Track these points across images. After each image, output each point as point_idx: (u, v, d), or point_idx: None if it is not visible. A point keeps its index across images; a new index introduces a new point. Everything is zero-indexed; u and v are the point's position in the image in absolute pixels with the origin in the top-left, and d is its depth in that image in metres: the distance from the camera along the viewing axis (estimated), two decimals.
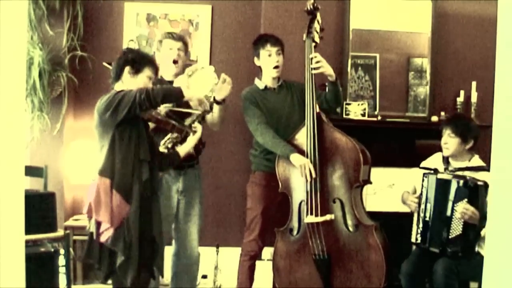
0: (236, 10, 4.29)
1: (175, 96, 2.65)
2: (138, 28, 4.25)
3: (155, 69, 2.73)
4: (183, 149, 2.88)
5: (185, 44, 3.29)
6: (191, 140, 2.89)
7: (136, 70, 2.64)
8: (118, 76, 2.67)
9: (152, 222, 2.63)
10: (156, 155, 2.72)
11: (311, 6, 3.19)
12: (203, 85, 2.93)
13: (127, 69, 2.64)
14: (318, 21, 3.23)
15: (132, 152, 2.57)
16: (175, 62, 3.19)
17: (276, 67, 3.28)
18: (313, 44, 3.18)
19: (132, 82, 2.64)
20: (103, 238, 2.55)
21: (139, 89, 2.53)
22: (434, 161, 3.24)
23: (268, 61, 3.28)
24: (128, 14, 4.25)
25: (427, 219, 3.07)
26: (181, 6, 4.27)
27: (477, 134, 3.14)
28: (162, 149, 2.88)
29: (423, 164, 3.26)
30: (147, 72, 2.66)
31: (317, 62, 3.12)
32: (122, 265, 2.52)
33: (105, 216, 2.54)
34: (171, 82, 3.08)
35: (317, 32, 3.21)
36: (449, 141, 3.11)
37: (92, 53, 4.07)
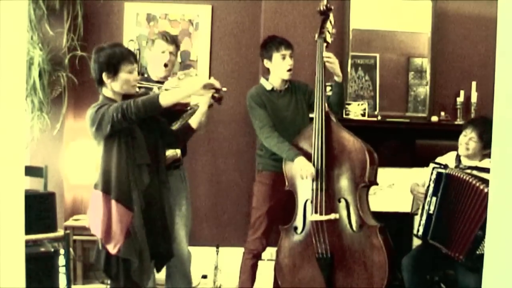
0: (236, 10, 4.29)
1: (151, 107, 2.46)
2: (138, 28, 4.25)
3: (134, 59, 2.59)
4: (195, 120, 2.76)
5: (178, 47, 3.25)
6: (200, 113, 2.76)
7: (114, 73, 2.53)
8: (100, 82, 2.58)
9: (164, 210, 2.64)
10: (161, 148, 2.67)
11: (324, 7, 3.19)
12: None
13: (104, 75, 2.53)
14: (330, 22, 3.23)
15: (125, 158, 2.49)
16: (165, 65, 3.16)
17: (289, 69, 3.27)
18: (325, 44, 3.18)
19: (115, 86, 2.56)
20: (114, 250, 2.49)
21: (115, 108, 2.43)
22: (447, 159, 3.24)
23: (282, 64, 3.26)
24: (128, 14, 4.25)
25: (430, 212, 3.06)
26: (181, 6, 4.27)
27: None
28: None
29: (437, 160, 3.24)
30: (126, 68, 2.53)
31: (329, 57, 3.15)
32: (136, 270, 2.50)
33: (97, 230, 2.52)
34: (159, 83, 3.06)
35: (329, 33, 3.21)
36: (471, 144, 3.10)
37: (92, 53, 4.06)
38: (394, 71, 4.12)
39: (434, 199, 3.06)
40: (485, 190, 2.83)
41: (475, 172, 3.04)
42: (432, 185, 3.08)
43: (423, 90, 4.09)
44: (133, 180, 2.50)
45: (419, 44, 4.09)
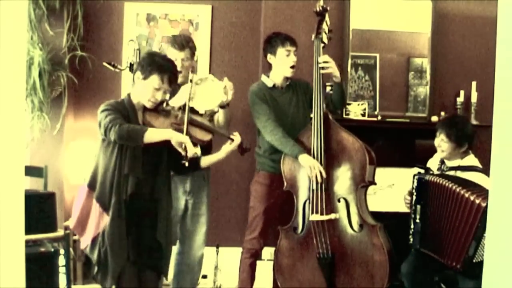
0: (236, 10, 4.29)
1: (134, 139, 2.46)
2: (138, 28, 4.25)
3: (168, 76, 2.57)
4: (207, 161, 2.86)
5: (192, 49, 3.21)
6: (216, 158, 2.86)
7: (144, 77, 2.57)
8: (133, 80, 2.67)
9: (157, 226, 2.61)
10: (161, 163, 2.65)
11: (320, 8, 3.21)
12: (208, 97, 2.87)
13: (137, 74, 2.60)
14: (326, 22, 3.24)
15: (115, 164, 2.51)
16: (180, 72, 3.15)
17: (292, 66, 3.28)
18: (322, 45, 3.20)
19: (138, 87, 2.61)
20: (83, 245, 2.59)
21: (107, 121, 2.45)
22: (434, 160, 3.23)
23: (286, 60, 3.27)
24: (128, 14, 4.25)
25: (417, 220, 3.04)
26: (181, 6, 4.27)
27: (471, 138, 3.08)
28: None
29: (428, 164, 3.24)
30: (153, 81, 2.55)
31: (326, 62, 3.15)
32: (97, 273, 2.55)
33: (72, 222, 2.62)
34: (177, 85, 3.06)
35: (325, 33, 3.23)
36: (443, 145, 3.07)
37: (92, 53, 4.07)
38: (394, 71, 4.12)
39: (418, 207, 3.03)
40: (465, 194, 2.80)
41: (458, 173, 3.02)
42: (415, 192, 3.05)
43: (423, 90, 4.09)
44: (116, 187, 2.51)
45: (419, 44, 4.09)
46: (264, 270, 3.60)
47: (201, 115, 2.81)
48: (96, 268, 2.55)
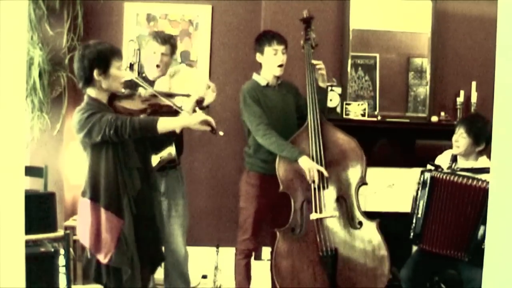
0: (236, 10, 4.29)
1: (147, 130, 2.44)
2: (138, 28, 4.25)
3: (120, 53, 2.55)
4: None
5: (172, 46, 3.20)
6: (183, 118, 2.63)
7: (104, 69, 2.45)
8: (88, 81, 2.47)
9: (155, 216, 2.59)
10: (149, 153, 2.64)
11: (307, 15, 3.31)
12: (187, 86, 2.85)
13: (95, 71, 2.44)
14: (312, 30, 3.33)
15: (114, 163, 2.44)
16: (157, 66, 3.15)
17: (280, 65, 3.28)
18: (312, 50, 3.27)
19: (106, 83, 2.48)
20: (105, 260, 2.45)
21: (108, 121, 2.36)
22: (443, 158, 3.23)
23: (273, 59, 3.27)
24: (128, 14, 4.25)
25: (419, 216, 3.05)
26: (181, 6, 4.27)
27: (490, 139, 3.08)
28: None
29: (436, 161, 3.24)
30: (116, 64, 2.48)
31: (320, 66, 3.24)
32: (129, 279, 2.44)
33: (86, 240, 2.48)
34: (154, 81, 3.06)
35: (313, 39, 3.31)
36: (461, 140, 3.09)
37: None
38: (394, 71, 4.12)
39: (421, 202, 3.04)
40: (471, 183, 2.85)
41: (470, 174, 3.00)
42: (420, 188, 3.06)
43: (423, 90, 4.09)
44: (122, 186, 2.45)
45: (419, 44, 4.09)
46: (264, 270, 3.60)
47: (169, 95, 2.72)
48: (129, 273, 2.43)
